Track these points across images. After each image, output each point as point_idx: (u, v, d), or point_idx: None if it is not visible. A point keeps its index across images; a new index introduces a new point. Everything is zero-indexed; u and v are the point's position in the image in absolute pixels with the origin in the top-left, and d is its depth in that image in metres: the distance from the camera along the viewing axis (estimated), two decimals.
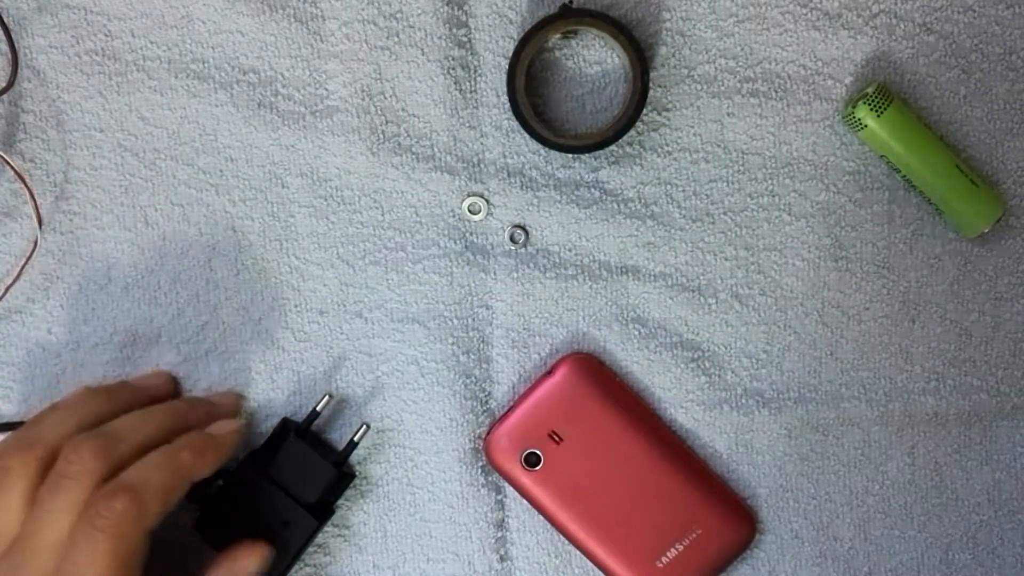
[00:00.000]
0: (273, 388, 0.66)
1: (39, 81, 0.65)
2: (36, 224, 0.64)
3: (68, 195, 0.65)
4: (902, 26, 0.66)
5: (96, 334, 0.66)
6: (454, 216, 0.66)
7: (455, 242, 0.66)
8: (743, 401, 0.67)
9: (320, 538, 0.66)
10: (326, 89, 0.65)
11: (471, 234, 0.66)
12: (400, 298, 0.66)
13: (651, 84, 0.65)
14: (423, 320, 0.66)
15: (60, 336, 0.66)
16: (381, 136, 0.65)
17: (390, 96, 0.65)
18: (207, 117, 0.65)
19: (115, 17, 0.65)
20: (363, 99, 0.65)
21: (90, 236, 0.66)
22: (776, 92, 0.66)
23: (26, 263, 0.64)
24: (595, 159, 0.66)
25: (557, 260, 0.66)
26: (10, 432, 0.59)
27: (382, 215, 0.66)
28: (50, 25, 0.65)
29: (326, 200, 0.66)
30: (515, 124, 0.65)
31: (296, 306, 0.66)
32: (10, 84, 0.63)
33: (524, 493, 0.65)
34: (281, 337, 0.66)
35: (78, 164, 0.66)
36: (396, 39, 0.65)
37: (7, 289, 0.64)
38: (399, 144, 0.65)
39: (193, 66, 0.65)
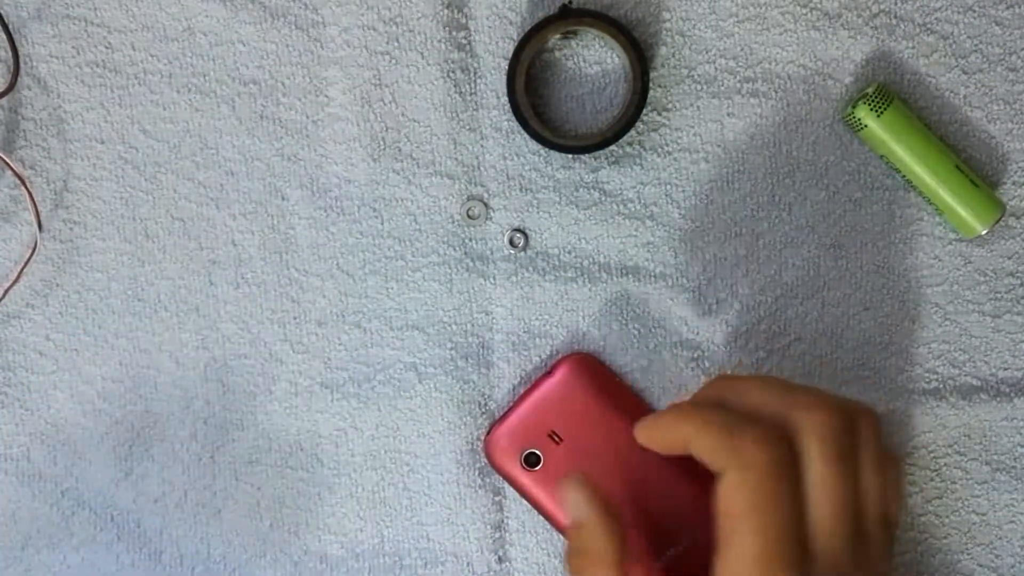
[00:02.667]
0: (271, 400, 0.66)
1: (40, 89, 0.65)
2: (36, 228, 0.64)
3: (68, 204, 0.65)
4: (902, 26, 0.65)
5: (95, 343, 0.66)
6: (453, 222, 0.66)
7: (454, 249, 0.66)
8: None
9: (316, 546, 0.67)
10: (326, 96, 0.65)
11: (470, 240, 0.66)
12: (399, 306, 0.66)
13: (651, 84, 0.65)
14: (422, 326, 0.66)
15: (59, 343, 0.66)
16: (381, 143, 0.65)
17: (390, 102, 0.65)
18: (209, 130, 0.65)
19: (116, 29, 0.65)
20: (363, 105, 0.65)
21: (90, 246, 0.66)
22: (776, 92, 0.66)
23: (25, 266, 0.64)
24: (595, 159, 0.66)
25: (556, 263, 0.66)
26: None
27: (381, 224, 0.66)
28: (50, 35, 0.65)
29: (326, 211, 0.65)
30: (515, 125, 0.65)
31: (295, 318, 0.66)
32: (11, 87, 0.63)
33: (524, 493, 0.65)
34: (279, 349, 0.66)
35: (78, 174, 0.66)
36: (396, 43, 0.65)
37: (6, 291, 0.64)
38: (399, 150, 0.65)
39: (194, 79, 0.65)
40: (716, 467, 0.53)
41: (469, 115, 0.65)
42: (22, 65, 0.64)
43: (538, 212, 0.66)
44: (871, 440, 0.55)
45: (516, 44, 0.63)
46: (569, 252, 0.66)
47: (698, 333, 0.66)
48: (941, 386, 0.67)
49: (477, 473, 0.66)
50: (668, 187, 0.66)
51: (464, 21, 0.65)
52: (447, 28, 0.65)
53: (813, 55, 0.65)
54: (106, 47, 0.65)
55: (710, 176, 0.66)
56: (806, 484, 0.53)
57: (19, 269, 0.64)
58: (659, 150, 0.66)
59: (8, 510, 0.66)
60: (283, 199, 0.66)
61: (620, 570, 0.55)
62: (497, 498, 0.66)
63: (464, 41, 0.65)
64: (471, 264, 0.66)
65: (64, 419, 0.66)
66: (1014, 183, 0.66)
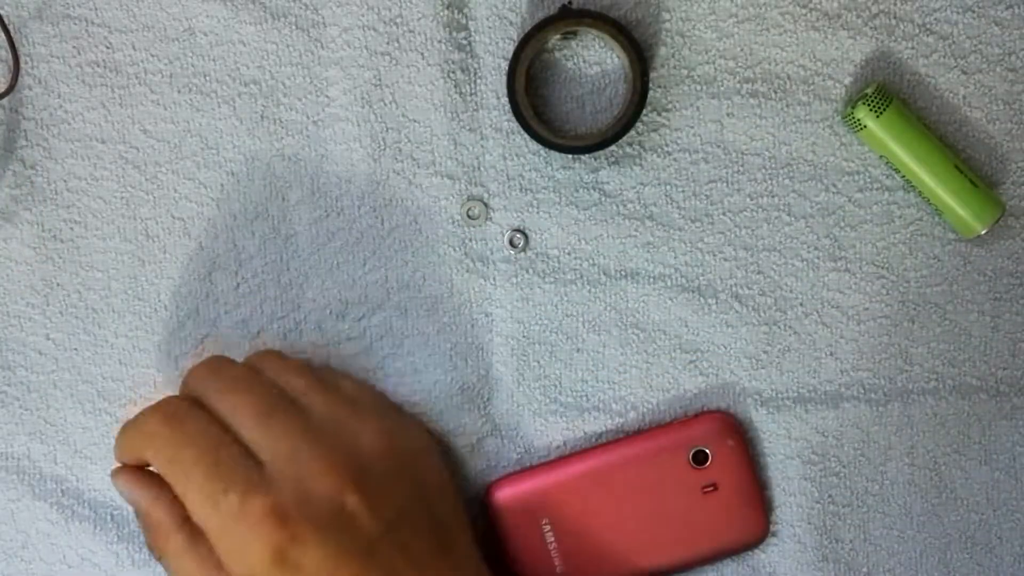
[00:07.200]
0: None
1: (41, 89, 0.65)
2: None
3: (69, 204, 0.65)
4: (901, 26, 0.65)
5: (95, 343, 0.66)
6: (453, 223, 0.66)
7: (454, 249, 0.65)
8: (741, 400, 0.67)
9: None
10: (327, 96, 0.65)
11: (470, 240, 0.66)
12: (399, 306, 0.66)
13: (651, 84, 0.65)
14: (422, 327, 0.66)
15: (59, 342, 0.66)
16: (382, 143, 0.65)
17: (390, 102, 0.65)
18: (209, 130, 0.65)
19: (116, 29, 0.65)
20: (363, 106, 0.65)
21: (91, 246, 0.66)
22: (776, 92, 0.65)
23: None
24: (595, 160, 0.66)
25: (556, 264, 0.66)
26: None
27: (381, 224, 0.66)
28: (51, 35, 0.65)
29: (326, 212, 0.65)
30: (515, 126, 0.64)
31: (295, 320, 0.66)
32: (11, 87, 0.63)
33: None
34: (279, 349, 0.66)
35: (79, 174, 0.65)
36: (396, 44, 0.65)
37: None
38: (400, 150, 0.65)
39: (195, 79, 0.65)
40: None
41: (469, 115, 0.65)
42: (23, 65, 0.64)
43: (538, 212, 0.66)
44: None
45: (516, 44, 0.63)
46: (569, 253, 0.66)
47: (698, 334, 0.66)
48: (941, 386, 0.67)
49: (476, 475, 0.66)
50: (668, 187, 0.66)
51: (464, 22, 0.65)
52: (447, 28, 0.65)
53: (813, 55, 0.65)
54: (107, 47, 0.65)
55: (710, 176, 0.66)
56: None
57: None
58: (659, 150, 0.66)
59: (8, 509, 0.66)
60: (283, 199, 0.66)
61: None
62: None
63: (464, 41, 0.65)
64: (471, 264, 0.66)
65: (64, 418, 0.66)
66: (1014, 183, 0.66)
